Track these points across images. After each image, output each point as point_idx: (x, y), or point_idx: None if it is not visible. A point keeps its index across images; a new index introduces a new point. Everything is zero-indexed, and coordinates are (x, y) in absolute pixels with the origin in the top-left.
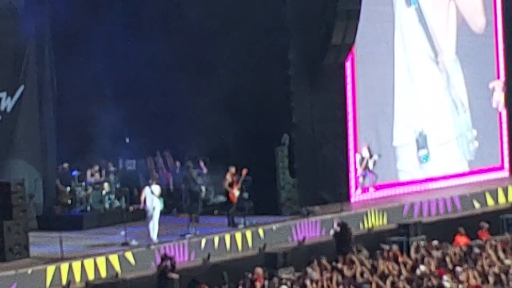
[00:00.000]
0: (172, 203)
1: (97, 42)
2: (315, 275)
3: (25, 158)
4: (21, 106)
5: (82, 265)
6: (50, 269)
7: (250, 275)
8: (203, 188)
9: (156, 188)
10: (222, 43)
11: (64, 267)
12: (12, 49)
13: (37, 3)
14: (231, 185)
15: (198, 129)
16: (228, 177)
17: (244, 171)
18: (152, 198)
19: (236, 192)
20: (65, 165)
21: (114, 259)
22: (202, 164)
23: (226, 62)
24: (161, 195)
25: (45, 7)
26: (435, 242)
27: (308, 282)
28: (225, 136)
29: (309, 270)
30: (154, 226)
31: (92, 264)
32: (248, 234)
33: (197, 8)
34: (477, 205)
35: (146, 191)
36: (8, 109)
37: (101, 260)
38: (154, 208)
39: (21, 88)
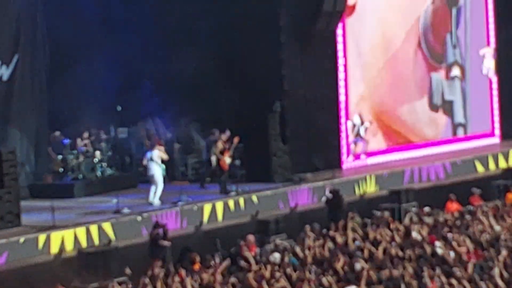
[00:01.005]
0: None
1: (89, 7)
2: (308, 241)
3: (18, 126)
4: (16, 75)
5: (74, 234)
6: (42, 237)
7: (242, 242)
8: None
9: (155, 153)
10: (213, 10)
11: (56, 235)
12: (5, 17)
13: None
14: (222, 152)
15: (190, 96)
16: (220, 145)
17: (236, 139)
18: (151, 163)
19: (227, 160)
20: (57, 133)
21: (106, 226)
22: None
23: (217, 29)
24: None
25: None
26: (426, 209)
27: (299, 248)
28: (217, 103)
29: (301, 236)
30: (155, 191)
31: (84, 232)
32: (240, 201)
33: None
34: (468, 171)
35: (147, 156)
36: (4, 78)
37: (93, 228)
38: (153, 174)
39: (16, 56)
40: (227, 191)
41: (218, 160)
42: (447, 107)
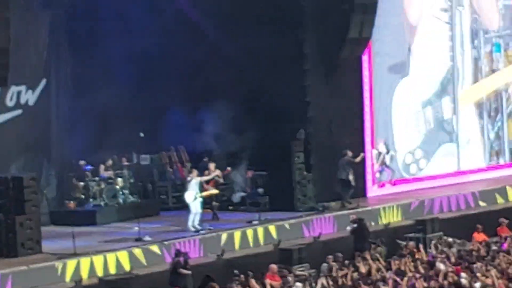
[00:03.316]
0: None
1: (114, 36)
2: (331, 271)
3: (41, 152)
4: (41, 100)
5: (94, 261)
6: (62, 265)
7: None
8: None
9: (193, 181)
10: (238, 37)
11: (77, 262)
12: (31, 43)
13: None
14: (208, 182)
15: (213, 123)
16: (207, 172)
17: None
18: (195, 189)
19: (212, 190)
20: (81, 161)
21: (126, 254)
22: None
23: (242, 56)
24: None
25: (61, 0)
26: (451, 239)
27: (323, 279)
28: (241, 130)
29: (324, 266)
30: (194, 217)
31: (104, 260)
32: (263, 230)
33: (214, 2)
34: (496, 201)
35: (192, 182)
36: (30, 102)
37: (113, 256)
38: (195, 199)
39: (43, 81)
40: (217, 218)
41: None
42: None
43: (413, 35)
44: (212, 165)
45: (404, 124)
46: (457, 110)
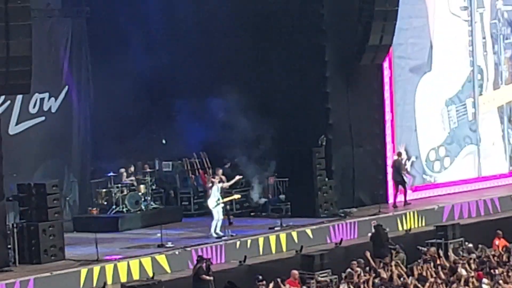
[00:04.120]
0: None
1: (133, 42)
2: (353, 277)
3: (63, 159)
4: (63, 107)
5: (117, 267)
6: (85, 271)
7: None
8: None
9: (215, 188)
10: (259, 44)
11: (100, 269)
12: (51, 50)
13: (74, 4)
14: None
15: (235, 130)
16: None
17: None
18: (217, 195)
19: (234, 195)
20: (102, 165)
21: (149, 261)
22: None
23: (263, 63)
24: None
25: (82, 8)
26: (473, 245)
27: (344, 285)
28: (262, 137)
29: (346, 272)
30: (216, 223)
31: (127, 266)
32: (285, 236)
33: (234, 8)
34: None
35: (214, 188)
36: (53, 109)
37: (136, 262)
38: (217, 205)
39: (66, 88)
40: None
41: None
42: None
43: (434, 34)
44: (219, 171)
45: (428, 121)
46: (478, 113)
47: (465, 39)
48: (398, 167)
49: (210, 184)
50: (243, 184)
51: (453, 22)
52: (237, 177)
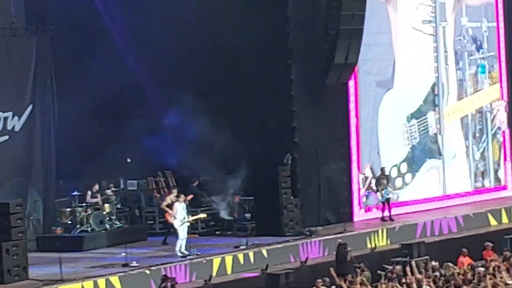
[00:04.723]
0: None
1: (97, 61)
2: None
3: (27, 178)
4: (27, 126)
5: (82, 287)
6: None
7: None
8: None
9: (176, 206)
10: (225, 62)
11: None
12: (15, 69)
13: (38, 22)
14: (169, 206)
15: (200, 148)
16: (169, 199)
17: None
18: (183, 214)
19: (200, 214)
20: (66, 185)
21: (114, 280)
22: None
23: (229, 81)
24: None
25: (46, 27)
26: (437, 263)
27: None
28: (228, 155)
29: None
30: (182, 242)
31: (91, 286)
32: (250, 254)
33: (200, 27)
34: (481, 225)
35: (178, 206)
36: (17, 128)
37: (101, 282)
38: (183, 224)
39: (30, 107)
40: (166, 243)
41: (164, 212)
42: None
43: (397, 50)
44: (173, 192)
45: (390, 137)
46: (442, 127)
47: (428, 53)
48: (380, 184)
49: (165, 202)
50: (209, 203)
51: (415, 37)
52: (202, 215)
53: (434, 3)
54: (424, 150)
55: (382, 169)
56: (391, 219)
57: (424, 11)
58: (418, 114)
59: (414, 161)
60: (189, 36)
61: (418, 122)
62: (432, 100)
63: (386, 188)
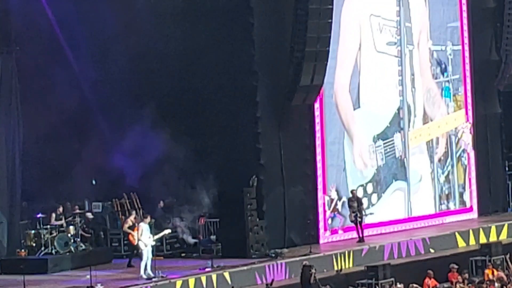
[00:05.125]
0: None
1: (61, 82)
2: None
3: None
4: None
5: None
6: None
7: None
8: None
9: (140, 227)
10: (190, 84)
11: None
12: None
13: (3, 42)
14: (131, 227)
15: (165, 170)
16: (129, 221)
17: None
18: (148, 234)
19: (165, 231)
20: (31, 207)
21: None
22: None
23: (195, 103)
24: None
25: (11, 47)
26: (403, 285)
27: None
28: (194, 176)
29: None
30: (146, 263)
31: None
32: (215, 277)
33: (165, 48)
34: (446, 247)
35: (143, 226)
36: None
37: None
38: (147, 245)
39: None
40: (131, 265)
41: (127, 234)
42: None
43: (362, 72)
44: (133, 215)
45: (356, 159)
46: (407, 150)
47: (394, 76)
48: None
49: (127, 224)
50: (174, 224)
51: (380, 60)
52: (166, 231)
53: (399, 25)
54: (390, 172)
55: (352, 191)
56: (363, 240)
57: (389, 32)
58: (384, 136)
59: (380, 183)
60: (153, 57)
61: (384, 144)
62: (398, 123)
63: (357, 210)
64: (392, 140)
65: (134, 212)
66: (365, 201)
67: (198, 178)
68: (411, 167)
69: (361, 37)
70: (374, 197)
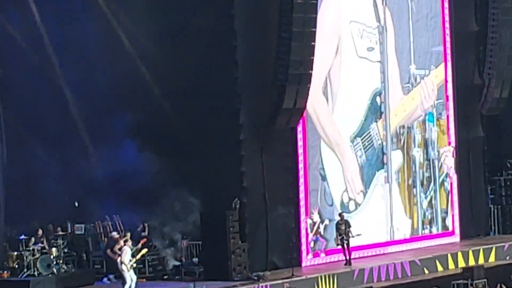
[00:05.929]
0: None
1: (45, 103)
2: None
3: None
4: None
5: None
6: None
7: None
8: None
9: (123, 251)
10: (173, 106)
11: None
12: None
13: None
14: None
15: (146, 193)
16: (122, 242)
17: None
18: (129, 257)
19: (143, 250)
20: (13, 228)
21: None
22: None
23: (178, 125)
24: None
25: None
26: None
27: None
28: (177, 200)
29: None
30: (130, 285)
31: None
32: None
33: (150, 69)
34: (427, 271)
35: (127, 250)
36: None
37: None
38: (131, 267)
39: None
40: None
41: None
42: None
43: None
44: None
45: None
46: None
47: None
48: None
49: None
50: (156, 247)
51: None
52: (144, 250)
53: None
54: (371, 165)
55: (340, 214)
56: (350, 263)
57: (368, 38)
58: (361, 132)
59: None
60: (136, 79)
61: (362, 139)
62: (376, 111)
63: (344, 233)
64: (369, 132)
65: (114, 233)
66: (352, 204)
67: (181, 201)
68: (393, 192)
69: (339, 44)
70: (359, 197)
